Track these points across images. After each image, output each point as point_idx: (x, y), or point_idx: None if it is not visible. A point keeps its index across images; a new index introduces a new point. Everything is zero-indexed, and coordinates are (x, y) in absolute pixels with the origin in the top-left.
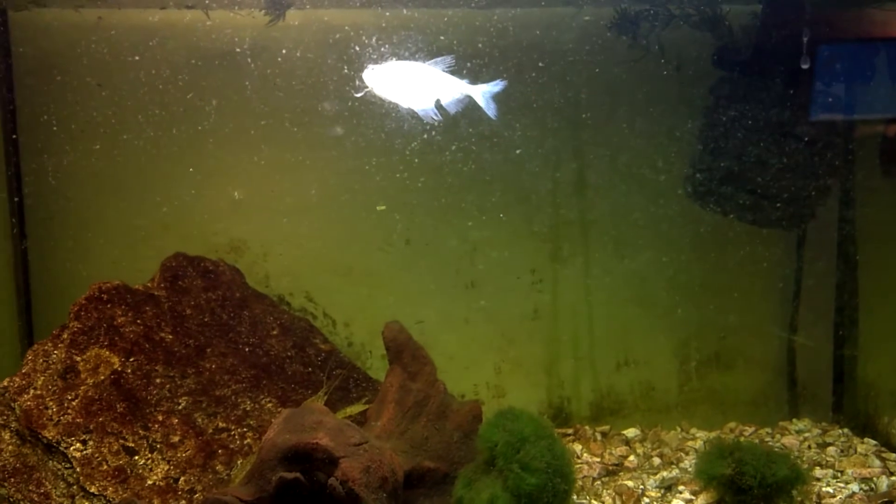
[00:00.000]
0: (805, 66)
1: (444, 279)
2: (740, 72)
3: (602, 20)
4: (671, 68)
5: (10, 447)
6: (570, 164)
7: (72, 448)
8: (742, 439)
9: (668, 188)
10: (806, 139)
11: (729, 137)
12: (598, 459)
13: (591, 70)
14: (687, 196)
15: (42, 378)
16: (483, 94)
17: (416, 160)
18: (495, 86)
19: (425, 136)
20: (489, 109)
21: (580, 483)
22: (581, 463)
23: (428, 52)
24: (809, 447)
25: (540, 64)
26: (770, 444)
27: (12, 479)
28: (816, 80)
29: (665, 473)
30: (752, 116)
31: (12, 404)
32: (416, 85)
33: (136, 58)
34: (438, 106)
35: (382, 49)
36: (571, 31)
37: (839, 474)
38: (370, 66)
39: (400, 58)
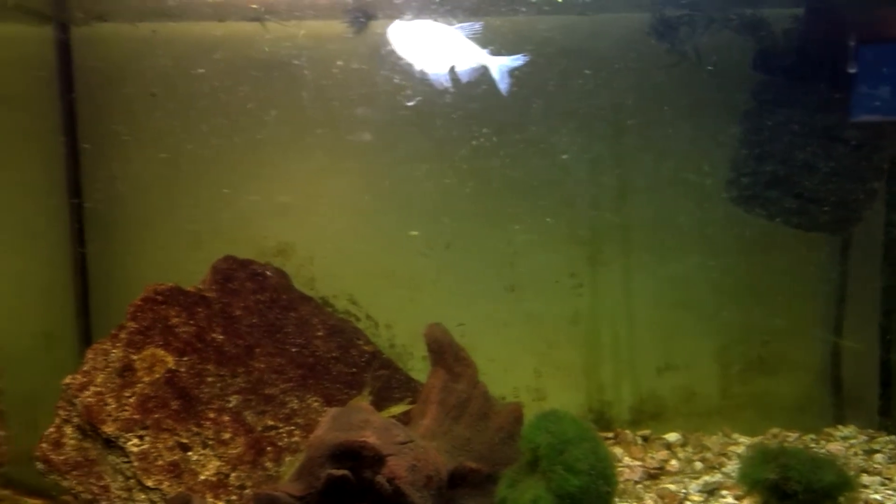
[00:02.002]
0: (852, 70)
1: (485, 282)
2: (782, 75)
3: (646, 26)
4: (712, 73)
5: (73, 441)
6: (614, 168)
7: (129, 443)
8: (786, 445)
9: (710, 192)
10: (853, 143)
11: (774, 141)
12: (640, 463)
13: (636, 76)
14: (731, 200)
15: (102, 376)
16: (500, 67)
17: (465, 166)
18: (514, 60)
19: (474, 142)
20: (502, 83)
21: (622, 486)
22: (622, 466)
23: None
24: (856, 454)
25: (586, 71)
26: (815, 450)
27: (74, 472)
28: (862, 83)
29: (707, 478)
30: (797, 120)
31: (74, 400)
32: (435, 48)
33: (200, 70)
34: (452, 73)
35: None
36: (616, 37)
37: (887, 481)
38: (397, 21)
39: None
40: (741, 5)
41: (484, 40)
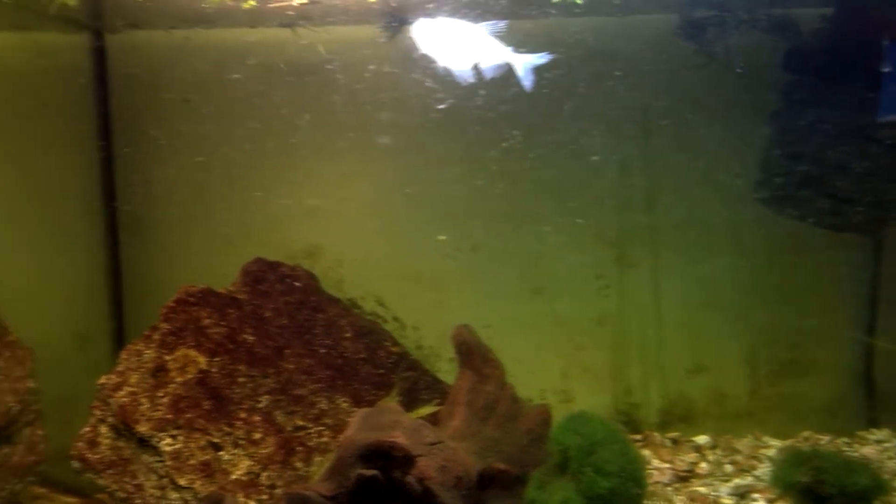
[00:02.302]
0: (885, 69)
1: (512, 284)
2: (815, 75)
3: (675, 27)
4: (741, 73)
5: (107, 440)
6: (643, 169)
7: (162, 442)
8: (819, 448)
9: (739, 193)
10: (887, 142)
11: (806, 141)
12: (669, 465)
13: (665, 77)
14: (762, 201)
15: (135, 376)
16: (524, 65)
17: (495, 167)
18: (539, 58)
19: (504, 144)
20: (526, 81)
21: (651, 488)
22: (651, 469)
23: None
24: (890, 457)
25: (616, 72)
26: (848, 453)
27: (109, 471)
28: (893, 82)
29: (738, 480)
30: (830, 120)
31: (109, 400)
32: (459, 44)
33: (233, 76)
34: (475, 68)
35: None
36: (646, 39)
37: None
38: (421, 18)
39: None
40: (770, 6)
41: (514, 43)
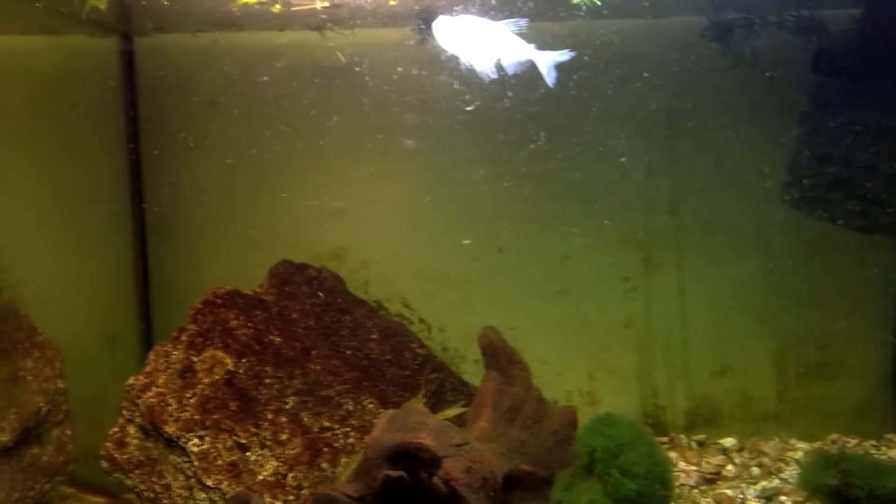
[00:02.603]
0: None
1: (538, 286)
2: (844, 76)
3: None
4: (769, 74)
5: (136, 441)
6: (670, 171)
7: (190, 443)
8: (846, 450)
9: (767, 195)
10: None
11: (836, 143)
12: (695, 468)
13: (694, 78)
14: (791, 203)
15: (163, 377)
16: (546, 61)
17: (523, 169)
18: (561, 55)
19: (532, 146)
20: (549, 77)
21: (678, 491)
22: (678, 471)
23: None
24: None
25: (644, 74)
26: (876, 456)
27: (137, 471)
28: None
29: (765, 483)
30: (859, 121)
31: (137, 401)
32: (481, 42)
33: (261, 78)
34: (498, 66)
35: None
36: (673, 40)
37: None
38: (442, 17)
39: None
40: (798, 7)
41: (543, 45)
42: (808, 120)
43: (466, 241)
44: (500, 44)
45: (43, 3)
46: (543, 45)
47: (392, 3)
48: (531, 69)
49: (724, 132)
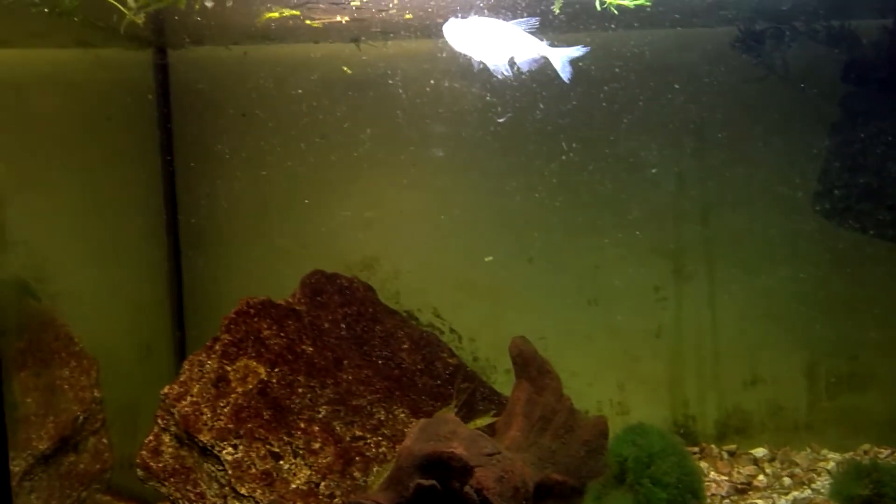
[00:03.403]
0: None
1: (567, 296)
2: (873, 86)
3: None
4: (799, 85)
5: (170, 449)
6: (701, 182)
7: (224, 452)
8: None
9: (797, 205)
10: None
11: (867, 153)
12: (726, 478)
13: (725, 89)
14: (822, 213)
15: (197, 386)
16: (561, 58)
17: (555, 180)
18: (576, 51)
19: (563, 157)
20: (564, 73)
21: (709, 501)
22: (708, 481)
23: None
24: None
25: (676, 86)
26: None
27: (172, 479)
28: None
29: (797, 493)
30: (890, 132)
31: (172, 410)
32: (493, 41)
33: (298, 91)
34: (511, 64)
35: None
36: (704, 51)
37: None
38: (451, 19)
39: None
40: (828, 17)
41: (575, 57)
42: (839, 130)
43: (489, 258)
44: (511, 42)
45: (81, 17)
46: (574, 59)
47: (407, 17)
48: (555, 76)
49: (755, 143)
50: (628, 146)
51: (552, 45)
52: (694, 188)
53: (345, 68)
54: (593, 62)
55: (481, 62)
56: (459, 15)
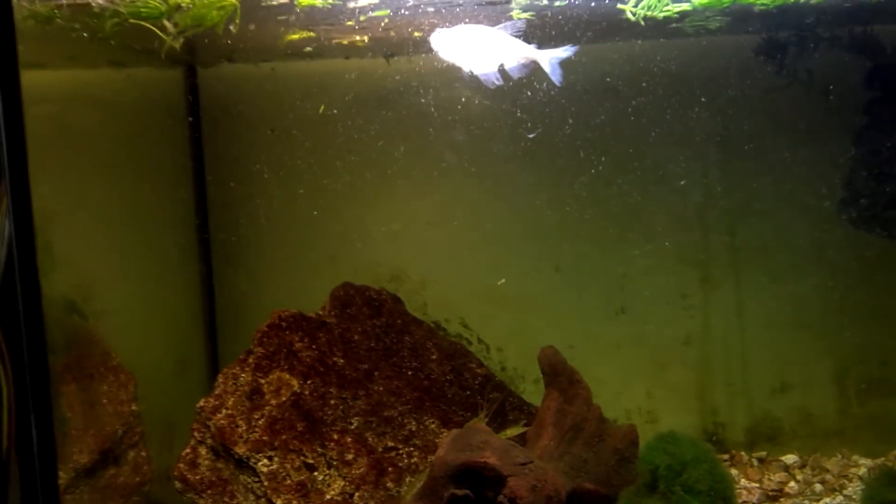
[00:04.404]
0: None
1: (594, 305)
2: None
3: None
4: (824, 92)
5: (207, 462)
6: (728, 191)
7: (259, 463)
8: None
9: (824, 213)
10: None
11: (893, 161)
12: (757, 485)
13: (750, 98)
14: (849, 221)
15: (232, 399)
16: (550, 60)
17: (584, 193)
18: (564, 51)
19: (593, 170)
20: (554, 76)
21: None
22: (739, 489)
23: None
24: None
25: (702, 99)
26: None
27: (209, 491)
28: None
29: (828, 500)
30: None
31: (208, 423)
32: (480, 48)
33: (319, 105)
34: (502, 70)
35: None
36: (729, 60)
37: None
38: (438, 30)
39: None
40: (851, 24)
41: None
42: (865, 138)
43: (501, 281)
44: (500, 48)
45: (116, 40)
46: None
47: (416, 34)
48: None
49: (781, 152)
50: (655, 157)
51: (540, 47)
52: (721, 198)
53: (323, 107)
54: (620, 74)
55: (471, 71)
56: (448, 25)
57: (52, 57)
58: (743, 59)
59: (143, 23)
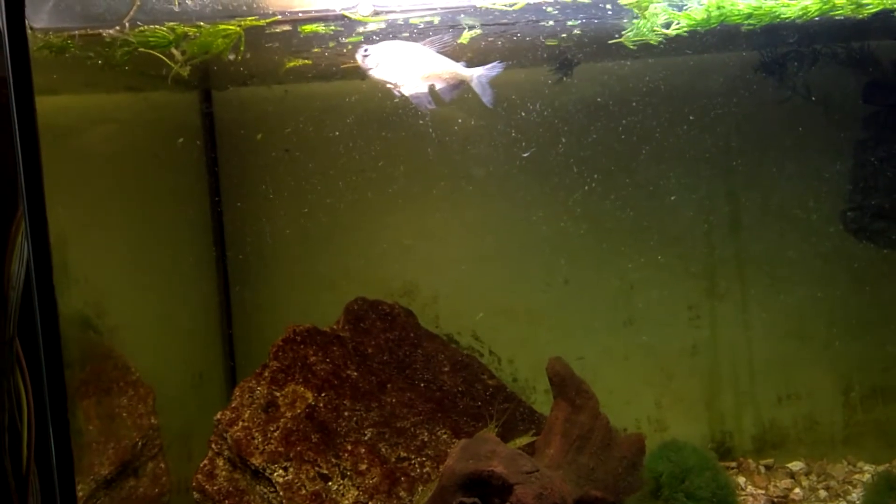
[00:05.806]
0: None
1: (602, 317)
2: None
3: (752, 65)
4: (822, 106)
5: (224, 473)
6: (730, 204)
7: (275, 474)
8: None
9: (828, 225)
10: None
11: (892, 172)
12: (763, 491)
13: (741, 116)
14: (852, 233)
15: (248, 411)
16: (478, 78)
17: (579, 210)
18: (491, 69)
19: (586, 187)
20: (485, 96)
21: None
22: (746, 495)
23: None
24: None
25: (691, 117)
26: None
27: (226, 501)
28: None
29: None
30: None
31: (225, 435)
32: (407, 68)
33: (331, 125)
34: (433, 93)
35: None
36: (725, 75)
37: None
38: (363, 47)
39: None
40: (849, 39)
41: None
42: (863, 150)
43: (480, 315)
44: (426, 65)
45: (131, 66)
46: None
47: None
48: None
49: (785, 164)
50: (661, 171)
51: (467, 65)
52: (726, 210)
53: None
54: (611, 92)
55: (400, 92)
56: (377, 39)
57: (70, 84)
58: (746, 72)
59: (151, 51)
